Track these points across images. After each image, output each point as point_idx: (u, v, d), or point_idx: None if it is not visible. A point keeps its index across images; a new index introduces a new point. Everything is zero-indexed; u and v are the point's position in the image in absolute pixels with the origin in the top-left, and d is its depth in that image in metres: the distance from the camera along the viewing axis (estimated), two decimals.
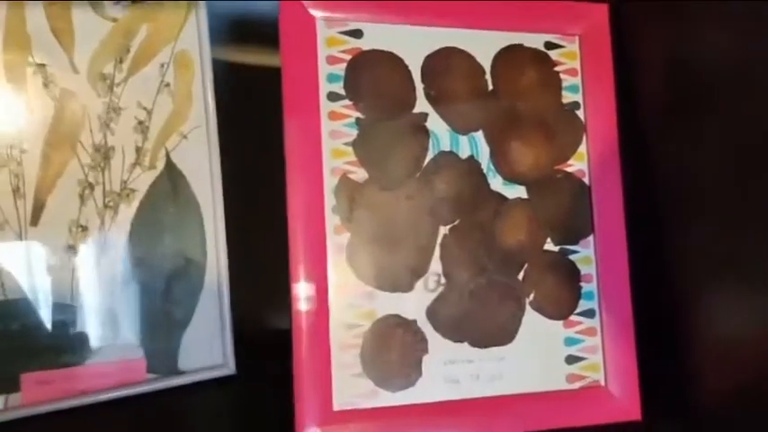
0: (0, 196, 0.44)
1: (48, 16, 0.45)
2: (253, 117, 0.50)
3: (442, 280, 0.45)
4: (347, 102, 0.45)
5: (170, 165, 0.48)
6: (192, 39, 0.49)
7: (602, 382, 0.46)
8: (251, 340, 0.49)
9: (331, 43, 0.45)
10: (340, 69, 0.45)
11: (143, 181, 0.47)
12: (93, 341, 0.46)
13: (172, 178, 0.48)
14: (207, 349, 0.49)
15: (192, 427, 0.49)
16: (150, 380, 0.48)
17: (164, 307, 0.48)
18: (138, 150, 0.47)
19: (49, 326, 0.45)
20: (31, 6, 0.44)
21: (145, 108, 0.47)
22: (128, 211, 0.47)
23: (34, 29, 0.44)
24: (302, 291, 0.42)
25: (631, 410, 0.46)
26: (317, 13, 0.45)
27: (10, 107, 0.44)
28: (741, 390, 0.42)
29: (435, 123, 0.46)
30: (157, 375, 0.48)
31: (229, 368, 0.50)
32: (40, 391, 0.45)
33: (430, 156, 0.46)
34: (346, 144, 0.44)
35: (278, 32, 0.44)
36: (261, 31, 0.50)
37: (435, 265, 0.45)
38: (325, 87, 0.44)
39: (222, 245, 0.49)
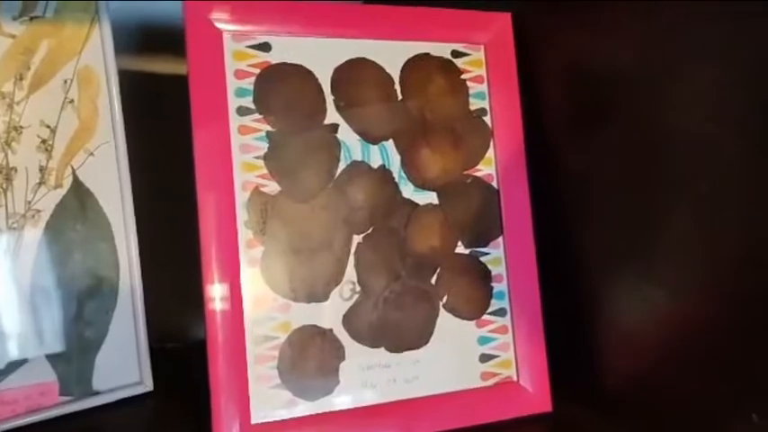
0: None
1: None
2: (162, 127, 0.50)
3: (357, 288, 0.46)
4: (257, 115, 0.45)
5: (77, 183, 0.47)
6: (97, 53, 0.48)
7: (515, 378, 0.48)
8: (168, 356, 0.49)
9: (239, 57, 0.45)
10: (249, 83, 0.45)
11: (49, 201, 0.47)
12: (3, 366, 0.45)
13: (79, 197, 0.48)
14: (122, 367, 0.49)
15: None
16: (63, 402, 0.47)
17: (76, 328, 0.47)
18: (43, 170, 0.46)
19: None
20: None
21: (48, 126, 0.46)
22: (34, 232, 0.46)
23: None
24: (216, 305, 0.42)
25: (543, 403, 0.48)
26: (223, 27, 0.45)
27: None
28: (642, 375, 0.45)
29: (346, 134, 0.47)
30: (72, 397, 0.47)
31: (146, 386, 0.50)
32: None
33: (342, 166, 0.47)
34: (257, 158, 0.45)
35: (184, 39, 0.44)
36: (166, 38, 0.50)
37: (350, 274, 0.46)
38: (234, 102, 0.45)
39: (135, 261, 0.49)
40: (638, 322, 0.45)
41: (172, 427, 0.47)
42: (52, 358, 0.46)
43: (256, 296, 0.43)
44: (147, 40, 0.54)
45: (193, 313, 0.44)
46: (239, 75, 0.45)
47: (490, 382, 0.48)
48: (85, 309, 0.47)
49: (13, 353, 0.45)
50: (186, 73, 0.44)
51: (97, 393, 0.48)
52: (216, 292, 0.42)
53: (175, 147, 0.45)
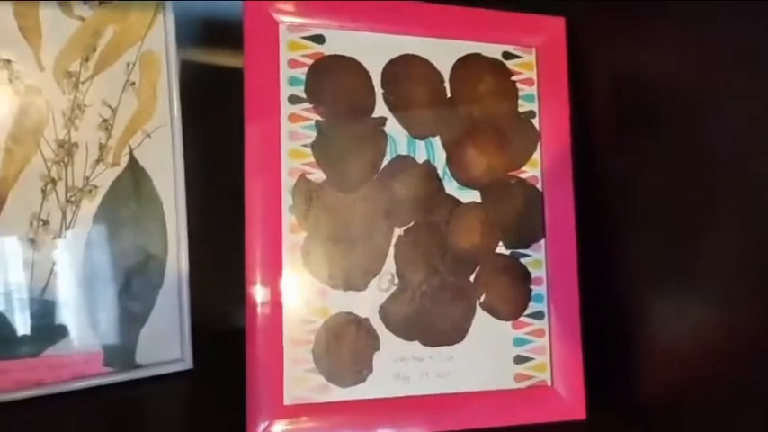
0: None
1: (15, 14, 0.46)
2: (217, 116, 0.52)
3: (396, 280, 0.46)
4: (307, 105, 0.46)
5: (133, 162, 0.49)
6: (159, 40, 0.50)
7: (549, 382, 0.48)
8: (209, 335, 0.50)
9: (293, 47, 0.46)
10: (302, 73, 0.46)
11: (106, 177, 0.49)
12: (51, 333, 0.47)
13: (134, 175, 0.49)
14: (165, 344, 0.50)
15: (148, 420, 0.49)
16: (106, 373, 0.49)
17: (123, 301, 0.49)
18: (102, 147, 0.48)
19: (7, 317, 0.46)
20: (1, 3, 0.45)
21: (110, 106, 0.49)
22: (90, 207, 0.48)
23: (1, 25, 0.45)
24: (257, 287, 0.43)
25: (576, 409, 0.47)
26: (280, 18, 0.46)
27: None
28: (679, 389, 0.43)
29: (393, 128, 0.48)
30: (114, 368, 0.49)
31: (186, 363, 0.51)
32: None
33: (387, 159, 0.47)
34: (305, 146, 0.46)
35: (239, 34, 0.45)
36: (227, 33, 0.52)
37: (389, 265, 0.46)
38: (286, 90, 0.46)
39: (183, 241, 0.50)
40: (677, 335, 0.44)
41: (208, 404, 0.48)
42: (98, 329, 0.48)
43: (296, 279, 0.44)
44: (207, 32, 0.56)
45: (236, 298, 0.45)
46: (293, 64, 0.46)
47: (523, 385, 0.48)
48: (133, 284, 0.49)
49: (62, 321, 0.47)
50: (241, 65, 0.45)
51: (139, 366, 0.49)
52: (258, 273, 0.43)
53: (227, 135, 0.47)
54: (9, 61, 0.45)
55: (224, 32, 0.53)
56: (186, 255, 0.50)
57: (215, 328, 0.54)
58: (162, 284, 0.50)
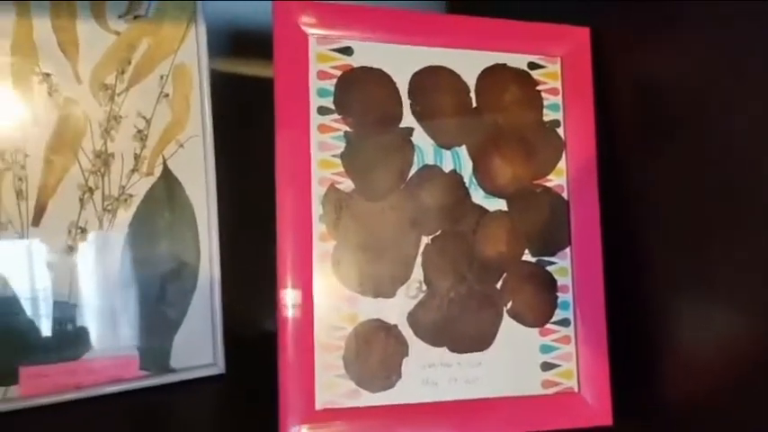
0: (4, 198, 0.46)
1: (54, 28, 0.47)
2: (248, 126, 0.53)
3: (424, 287, 0.47)
4: (336, 116, 0.47)
5: (167, 172, 0.51)
6: (191, 52, 0.51)
7: (576, 389, 0.48)
8: (240, 341, 0.51)
9: (322, 59, 0.47)
10: (330, 85, 0.47)
11: (141, 186, 0.50)
12: (89, 338, 0.48)
13: (168, 185, 0.51)
14: (198, 348, 0.51)
15: (182, 424, 0.50)
16: (142, 377, 0.50)
17: (158, 307, 0.50)
18: (137, 157, 0.50)
19: (47, 322, 0.47)
20: (38, 18, 0.47)
21: (144, 117, 0.50)
22: (125, 215, 0.49)
23: (41, 40, 0.47)
24: (288, 294, 0.44)
25: (603, 416, 0.48)
26: (309, 31, 0.47)
27: (16, 113, 0.46)
28: (704, 395, 0.44)
29: (420, 138, 0.48)
30: (150, 372, 0.50)
31: (219, 367, 0.52)
32: (36, 384, 0.47)
33: (414, 169, 0.48)
34: (334, 156, 0.47)
35: (269, 46, 0.46)
36: (257, 44, 0.53)
37: (417, 273, 0.47)
38: (315, 101, 0.47)
39: (215, 249, 0.52)
40: (702, 342, 0.44)
41: (240, 408, 0.49)
42: (135, 334, 0.49)
43: (326, 287, 0.45)
44: (238, 43, 0.57)
45: (267, 304, 0.46)
46: (322, 76, 0.47)
47: (551, 391, 0.48)
48: (168, 290, 0.50)
49: (100, 326, 0.48)
50: (271, 75, 0.46)
51: (173, 371, 0.51)
52: (289, 280, 0.44)
53: (257, 145, 0.48)
54: (48, 75, 0.47)
55: (254, 43, 0.54)
56: (218, 261, 0.52)
57: (246, 333, 0.55)
58: (195, 290, 0.51)
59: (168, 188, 0.51)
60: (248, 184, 0.52)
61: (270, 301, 0.45)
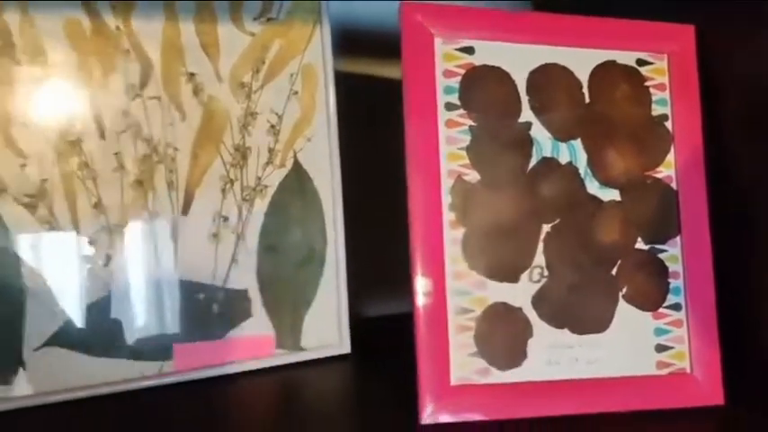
0: (157, 188, 0.50)
1: (197, 32, 0.51)
2: (367, 122, 0.56)
3: (545, 272, 0.50)
4: (462, 111, 0.50)
5: (297, 164, 0.54)
6: (317, 52, 0.55)
7: (688, 370, 0.51)
8: (364, 322, 0.55)
9: (447, 58, 0.50)
10: (455, 82, 0.50)
11: (274, 178, 0.54)
12: (233, 318, 0.52)
13: (298, 176, 0.54)
14: (325, 329, 0.55)
15: (311, 399, 0.54)
16: (278, 354, 0.54)
17: (293, 289, 0.54)
18: (271, 151, 0.53)
19: (196, 303, 0.51)
20: (184, 22, 0.50)
21: (277, 113, 0.53)
22: (261, 204, 0.53)
23: (186, 42, 0.51)
24: (422, 279, 0.47)
25: (714, 396, 0.50)
26: (435, 32, 0.50)
27: (166, 111, 0.50)
28: None
29: (538, 132, 0.51)
30: (284, 351, 0.54)
31: (345, 347, 0.56)
32: (188, 360, 0.51)
33: (533, 161, 0.51)
34: (460, 149, 0.50)
35: (390, 46, 0.49)
36: (375, 45, 0.56)
37: (539, 260, 0.50)
38: (442, 98, 0.50)
39: (341, 236, 0.55)
40: None
41: (365, 385, 0.53)
42: (272, 315, 0.53)
43: (457, 271, 0.48)
44: (360, 44, 0.61)
45: (387, 290, 0.50)
46: (447, 74, 0.50)
47: (664, 372, 0.51)
48: (300, 274, 0.54)
49: (245, 307, 0.52)
50: (391, 76, 0.49)
51: (303, 350, 0.54)
52: (423, 266, 0.47)
53: (377, 139, 0.51)
54: (193, 74, 0.51)
55: (373, 44, 0.58)
56: (343, 248, 0.55)
57: (369, 314, 0.58)
58: (322, 274, 0.55)
59: (298, 179, 0.54)
60: (370, 175, 0.55)
61: (390, 285, 0.48)
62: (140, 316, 0.49)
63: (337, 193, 0.55)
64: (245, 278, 0.53)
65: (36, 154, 0.46)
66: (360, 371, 0.55)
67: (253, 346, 0.52)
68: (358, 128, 0.55)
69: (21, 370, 0.46)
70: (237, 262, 0.52)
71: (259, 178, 0.53)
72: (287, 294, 0.54)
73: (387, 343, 0.55)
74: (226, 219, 0.52)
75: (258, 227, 0.53)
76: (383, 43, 0.52)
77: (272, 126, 0.53)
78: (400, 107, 0.48)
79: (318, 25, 0.55)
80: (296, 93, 0.54)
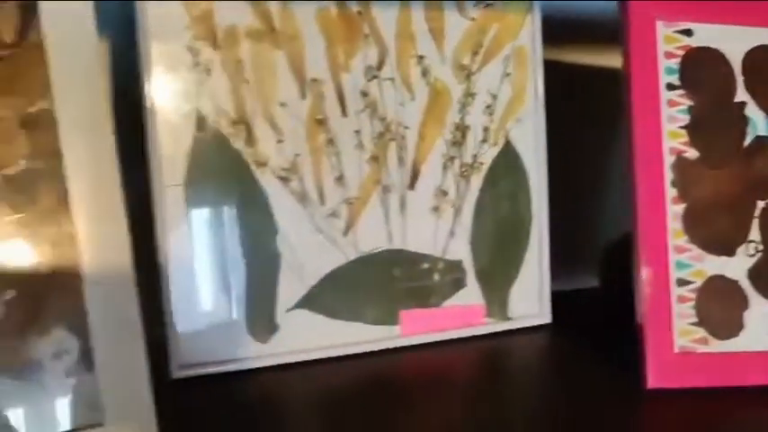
0: (389, 164, 0.53)
1: (426, 18, 0.54)
2: (570, 103, 0.59)
3: (760, 247, 0.52)
4: (681, 91, 0.52)
5: (508, 143, 0.57)
6: (529, 36, 0.57)
7: None
8: (563, 295, 0.58)
9: (668, 41, 0.52)
10: (675, 63, 0.52)
11: (488, 156, 0.57)
12: (450, 287, 0.56)
13: (509, 154, 0.57)
14: (528, 300, 0.58)
15: (514, 366, 0.57)
16: (487, 323, 0.57)
17: (501, 262, 0.57)
18: (486, 130, 0.56)
19: (420, 272, 0.55)
20: (416, 9, 0.53)
21: (492, 94, 0.56)
22: (477, 181, 0.56)
23: (417, 27, 0.54)
24: (649, 248, 0.50)
25: None
26: (657, 15, 0.52)
27: (398, 92, 0.53)
28: None
29: (753, 111, 0.53)
30: (493, 320, 0.57)
31: (546, 317, 0.59)
32: (412, 326, 0.54)
33: (748, 139, 0.53)
34: (680, 127, 0.52)
35: (598, 33, 0.51)
36: (581, 32, 0.59)
37: (754, 234, 0.52)
38: (663, 79, 0.52)
39: (545, 211, 0.58)
40: None
41: (565, 353, 0.55)
42: (483, 285, 0.56)
43: (678, 245, 0.51)
44: (568, 28, 0.63)
45: (590, 261, 0.53)
46: (668, 56, 0.52)
47: None
48: (509, 247, 0.57)
49: (456, 277, 0.56)
50: (596, 63, 0.51)
51: (509, 319, 0.58)
52: (648, 240, 0.50)
53: (580, 119, 0.54)
54: (422, 57, 0.54)
55: (578, 31, 0.60)
56: (547, 223, 0.58)
57: (569, 287, 0.61)
58: (527, 248, 0.58)
59: (509, 157, 0.57)
60: (571, 153, 0.58)
61: (589, 258, 0.51)
62: (373, 283, 0.53)
63: (543, 170, 0.58)
64: (460, 250, 0.56)
65: (290, 131, 0.50)
66: (559, 340, 0.57)
67: (466, 314, 0.56)
68: (559, 108, 0.58)
69: (275, 330, 0.51)
70: (454, 234, 0.56)
71: (475, 156, 0.56)
72: (497, 266, 0.57)
73: (586, 314, 0.58)
74: (445, 193, 0.55)
75: (473, 202, 0.56)
76: (581, 29, 0.54)
77: (488, 106, 0.56)
78: (597, 90, 0.51)
79: (531, 11, 0.57)
80: (508, 75, 0.57)
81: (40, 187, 0.38)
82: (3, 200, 0.37)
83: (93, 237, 0.38)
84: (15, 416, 0.37)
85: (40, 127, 0.38)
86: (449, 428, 0.43)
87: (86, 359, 0.38)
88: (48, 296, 0.38)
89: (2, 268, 0.37)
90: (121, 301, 0.39)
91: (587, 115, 0.54)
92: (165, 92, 0.47)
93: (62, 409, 0.38)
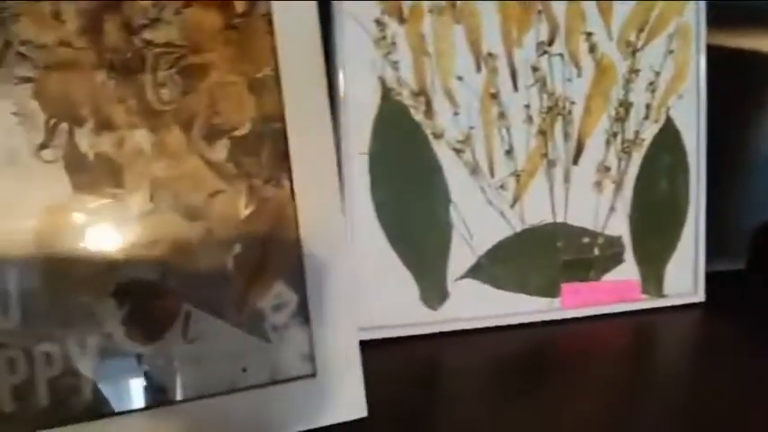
0: (556, 139, 0.54)
1: None
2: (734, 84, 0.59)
3: None
4: None
5: (668, 120, 0.57)
6: (693, 14, 0.57)
7: None
8: (718, 274, 0.58)
9: None
10: None
11: (649, 132, 0.57)
12: (609, 262, 0.56)
13: (669, 131, 0.57)
14: (682, 277, 0.58)
15: (666, 342, 0.57)
16: (642, 299, 0.57)
17: (658, 239, 0.57)
18: (648, 107, 0.57)
19: (581, 246, 0.55)
20: None
21: (655, 71, 0.56)
22: (637, 157, 0.57)
23: (586, 4, 0.54)
24: None
25: None
26: None
27: (567, 67, 0.54)
28: None
29: None
30: (648, 297, 0.58)
31: (699, 296, 0.59)
32: (572, 299, 0.55)
33: None
34: None
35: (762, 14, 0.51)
36: (744, 12, 0.59)
37: None
38: None
39: (703, 191, 0.58)
40: None
41: (716, 334, 0.55)
42: (640, 262, 0.57)
43: None
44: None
45: (733, 244, 0.53)
46: None
47: None
48: (667, 225, 0.58)
49: (617, 251, 0.56)
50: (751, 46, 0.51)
51: (665, 296, 0.58)
52: None
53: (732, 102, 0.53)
54: (591, 34, 0.54)
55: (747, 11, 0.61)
56: (704, 202, 0.58)
57: (717, 268, 0.61)
58: (685, 225, 0.58)
59: (669, 135, 0.57)
60: (727, 133, 0.58)
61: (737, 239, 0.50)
62: (537, 255, 0.54)
63: (702, 148, 0.58)
64: (620, 226, 0.57)
65: (465, 104, 0.51)
66: (711, 320, 0.57)
67: (623, 289, 0.57)
68: (723, 87, 0.58)
69: (446, 298, 0.52)
70: (615, 210, 0.56)
71: (637, 132, 0.56)
72: (654, 243, 0.57)
73: (739, 293, 0.58)
74: (608, 169, 0.56)
75: (633, 178, 0.57)
76: (745, 8, 0.54)
77: (651, 83, 0.56)
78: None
79: None
80: (671, 52, 0.57)
81: (264, 148, 0.40)
82: (232, 160, 0.39)
83: (309, 195, 0.40)
84: (243, 363, 0.39)
85: (266, 91, 0.40)
86: (603, 403, 0.43)
87: (302, 312, 0.40)
88: (269, 252, 0.40)
89: (229, 224, 0.39)
90: (335, 258, 0.41)
91: (742, 95, 0.54)
92: (354, 63, 0.48)
93: (280, 358, 0.40)
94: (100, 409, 0.35)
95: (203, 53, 0.38)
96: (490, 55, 0.52)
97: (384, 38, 0.49)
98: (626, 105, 0.56)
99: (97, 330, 0.36)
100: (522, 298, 0.54)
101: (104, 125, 0.36)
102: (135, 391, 0.36)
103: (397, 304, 0.51)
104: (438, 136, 0.51)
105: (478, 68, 0.52)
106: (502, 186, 0.53)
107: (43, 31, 0.35)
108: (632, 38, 0.55)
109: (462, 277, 0.52)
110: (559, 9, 0.53)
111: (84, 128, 0.36)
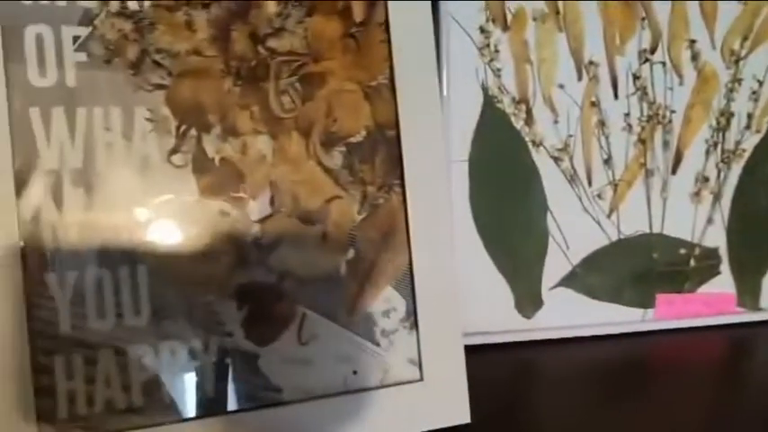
0: (655, 148, 0.53)
1: (700, 3, 0.53)
2: None
3: None
4: None
5: None
6: None
7: None
8: None
9: None
10: None
11: (750, 143, 0.56)
12: (705, 274, 0.55)
13: None
14: None
15: (761, 359, 0.56)
16: (738, 312, 0.56)
17: (755, 252, 0.56)
18: (750, 116, 0.55)
19: (677, 257, 0.55)
20: None
21: (758, 80, 0.55)
22: (736, 168, 0.56)
23: (691, 11, 0.53)
24: None
25: None
26: None
27: (668, 75, 0.53)
28: None
29: None
30: (744, 309, 0.57)
31: None
32: (666, 310, 0.55)
33: None
34: None
35: None
36: None
37: None
38: None
39: None
40: None
41: None
42: (736, 274, 0.56)
43: None
44: None
45: None
46: None
47: None
48: (761, 237, 0.56)
49: (712, 264, 0.55)
50: None
51: (761, 310, 0.57)
52: None
53: None
54: (694, 41, 0.53)
55: None
56: None
57: None
58: None
59: None
60: None
61: None
62: (631, 266, 0.54)
63: None
64: (717, 238, 0.56)
65: (565, 112, 0.51)
66: None
67: (718, 302, 0.56)
68: None
69: (540, 306, 0.52)
70: (713, 221, 0.55)
71: (738, 142, 0.55)
72: (751, 256, 0.56)
73: None
74: (706, 179, 0.55)
75: (732, 189, 0.55)
76: None
77: (754, 92, 0.55)
78: None
79: None
80: None
81: (377, 155, 0.40)
82: (347, 167, 0.40)
83: (420, 202, 0.41)
84: (353, 366, 0.40)
85: (381, 99, 0.41)
86: (697, 416, 0.43)
87: (410, 318, 0.41)
88: (380, 257, 0.41)
89: (344, 229, 0.39)
90: (442, 264, 0.41)
91: None
92: (458, 70, 0.49)
93: (389, 363, 0.40)
94: (218, 406, 0.36)
95: (322, 61, 0.39)
96: (592, 63, 0.51)
97: (488, 45, 0.49)
98: (727, 115, 0.55)
99: (219, 330, 0.37)
100: (615, 308, 0.53)
101: (230, 131, 0.37)
102: (250, 391, 0.37)
103: (491, 311, 0.51)
104: (537, 144, 0.51)
105: (580, 76, 0.51)
106: (599, 195, 0.52)
107: (177, 39, 0.36)
108: (736, 46, 0.54)
109: (557, 286, 0.52)
110: (663, 15, 0.52)
111: (212, 134, 0.37)
